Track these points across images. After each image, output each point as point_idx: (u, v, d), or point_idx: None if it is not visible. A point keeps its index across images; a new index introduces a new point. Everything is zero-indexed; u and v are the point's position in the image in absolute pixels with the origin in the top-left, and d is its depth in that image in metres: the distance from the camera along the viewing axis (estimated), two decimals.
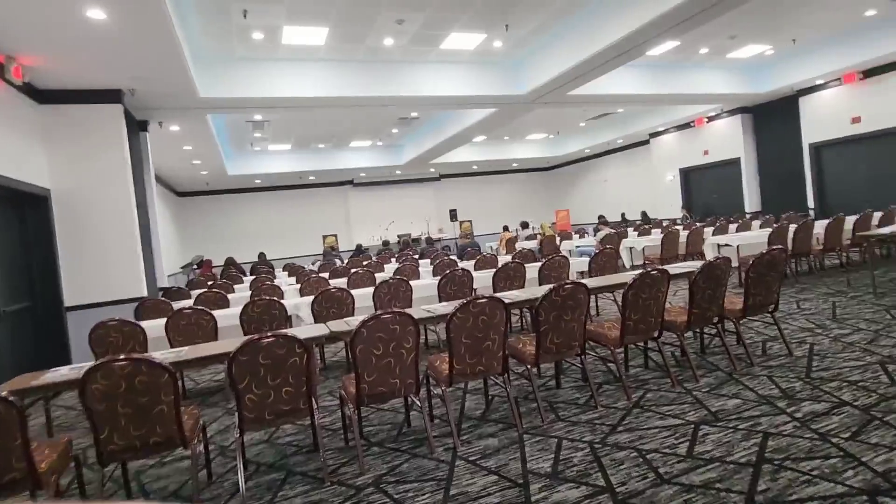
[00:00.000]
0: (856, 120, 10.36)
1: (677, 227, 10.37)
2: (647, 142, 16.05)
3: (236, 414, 2.61)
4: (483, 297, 2.98)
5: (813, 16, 8.28)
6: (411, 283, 5.29)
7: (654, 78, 10.22)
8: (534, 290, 4.13)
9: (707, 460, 2.51)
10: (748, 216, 11.55)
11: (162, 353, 3.12)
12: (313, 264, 10.40)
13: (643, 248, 9.17)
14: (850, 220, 7.54)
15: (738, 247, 7.38)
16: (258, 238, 17.06)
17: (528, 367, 3.32)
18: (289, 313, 4.67)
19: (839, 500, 2.09)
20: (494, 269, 5.54)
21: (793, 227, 6.99)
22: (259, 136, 12.36)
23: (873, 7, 8.18)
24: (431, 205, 19.74)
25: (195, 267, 12.51)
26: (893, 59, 9.34)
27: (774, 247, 3.84)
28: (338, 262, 10.11)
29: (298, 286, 6.76)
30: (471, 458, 2.79)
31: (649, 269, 3.38)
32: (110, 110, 6.43)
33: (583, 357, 3.45)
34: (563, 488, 2.39)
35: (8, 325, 5.18)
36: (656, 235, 9.62)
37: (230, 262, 11.05)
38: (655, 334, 3.61)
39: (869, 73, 9.96)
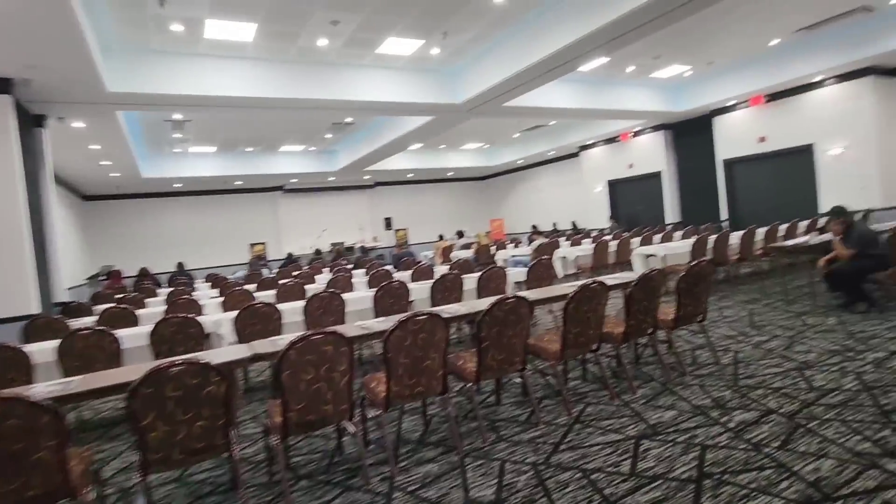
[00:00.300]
0: (762, 139, 11.26)
1: (606, 237, 10.75)
2: (577, 154, 16.64)
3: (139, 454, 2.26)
4: (422, 314, 2.81)
5: (727, 42, 8.90)
6: (345, 296, 5.02)
7: (585, 93, 10.57)
8: (474, 303, 4.02)
9: (650, 478, 2.47)
10: (669, 227, 12.22)
11: (47, 386, 2.67)
12: (234, 275, 9.76)
13: (575, 258, 9.39)
14: (760, 232, 8.12)
15: (663, 256, 7.70)
16: (178, 247, 15.90)
17: (469, 384, 3.18)
18: (208, 332, 4.25)
19: None
20: (431, 281, 5.39)
21: (712, 238, 7.41)
22: (179, 136, 11.50)
23: (777, 37, 8.92)
24: (366, 213, 19.34)
25: (102, 278, 11.38)
26: (793, 84, 10.25)
27: (703, 259, 3.97)
28: (265, 272, 9.56)
29: (222, 299, 6.26)
30: (409, 489, 2.60)
31: (589, 282, 3.36)
32: None
33: (523, 372, 3.36)
34: None
35: None
36: (587, 245, 9.90)
37: (144, 273, 10.14)
38: (594, 347, 3.60)
39: (773, 97, 10.87)
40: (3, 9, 4.24)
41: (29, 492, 2.01)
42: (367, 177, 18.27)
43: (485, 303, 3.36)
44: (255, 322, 4.23)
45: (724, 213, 12.23)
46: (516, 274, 6.08)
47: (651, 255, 7.81)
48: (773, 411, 3.09)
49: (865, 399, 3.12)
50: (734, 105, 11.62)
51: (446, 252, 11.99)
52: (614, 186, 15.48)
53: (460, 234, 14.11)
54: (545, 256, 7.01)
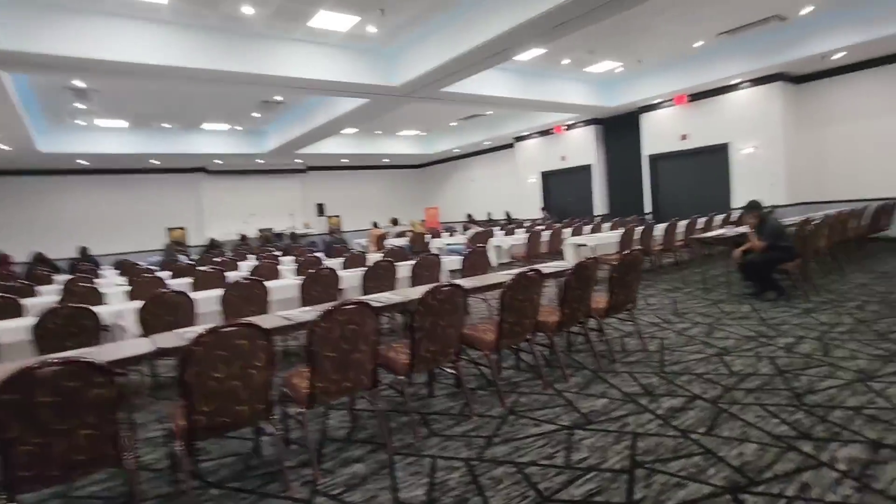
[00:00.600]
0: (684, 137, 11.86)
1: (539, 227, 10.93)
2: (512, 145, 16.81)
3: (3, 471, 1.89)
4: (351, 303, 2.60)
5: (655, 41, 9.22)
6: (269, 284, 4.67)
7: (522, 83, 10.61)
8: (407, 291, 3.84)
9: (584, 469, 2.42)
10: (598, 218, 12.64)
11: None
12: (147, 262, 8.97)
13: (510, 247, 9.46)
14: (681, 224, 8.54)
15: (594, 247, 7.89)
16: (83, 230, 14.46)
17: (401, 377, 3.01)
18: (107, 324, 3.78)
19: (707, 501, 2.11)
20: (364, 269, 5.15)
21: (639, 230, 7.69)
22: (83, 107, 10.33)
23: (701, 39, 9.36)
24: (297, 198, 18.55)
25: None
26: (713, 86, 10.84)
27: (634, 248, 4.02)
28: (183, 258, 8.85)
29: (129, 288, 5.66)
30: (333, 493, 2.39)
31: (525, 271, 3.28)
32: None
33: (457, 363, 3.24)
34: None
35: None
36: (521, 235, 10.01)
37: (39, 258, 9.07)
38: (529, 336, 3.54)
39: (695, 97, 11.45)
40: None
41: None
42: (298, 160, 17.49)
43: (419, 291, 3.19)
44: (164, 312, 3.81)
45: (647, 207, 12.80)
46: (451, 262, 5.97)
47: (582, 246, 7.98)
48: (697, 397, 3.17)
49: (779, 383, 3.28)
50: (660, 103, 12.14)
51: (380, 240, 11.71)
52: (547, 178, 15.80)
53: (395, 222, 13.84)
54: (480, 245, 6.95)
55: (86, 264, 8.69)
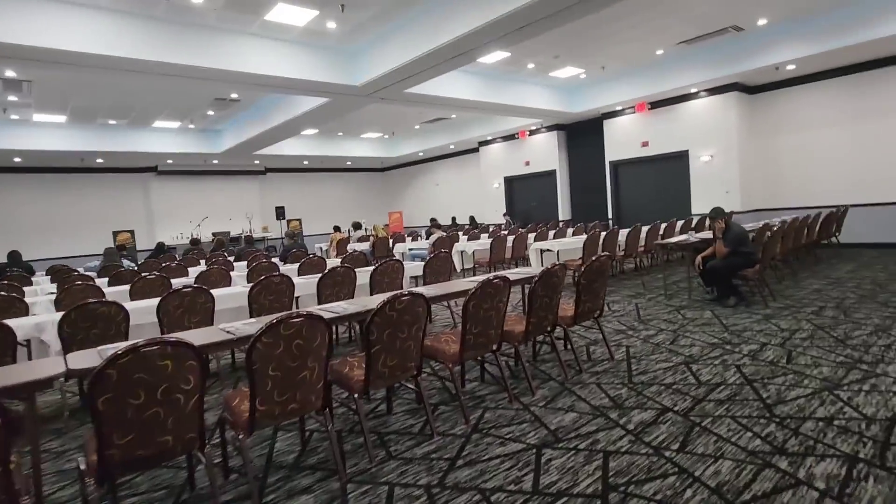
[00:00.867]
0: (644, 144, 12.04)
1: (503, 232, 10.84)
2: (476, 149, 16.73)
3: None
4: (299, 315, 2.33)
5: (618, 48, 9.29)
6: (215, 291, 4.31)
7: (487, 87, 10.51)
8: (364, 300, 3.58)
9: (554, 495, 2.23)
10: (561, 224, 12.67)
11: None
12: (86, 267, 8.33)
13: (473, 252, 9.30)
14: (643, 230, 8.58)
15: (558, 252, 7.82)
16: (17, 233, 13.42)
17: (356, 396, 2.75)
18: (25, 339, 3.35)
19: None
20: (321, 275, 4.85)
21: (603, 235, 7.66)
22: (16, 99, 9.55)
23: (662, 47, 9.49)
24: (256, 201, 17.87)
25: None
26: (673, 94, 11.04)
27: (602, 254, 3.90)
28: (126, 263, 8.25)
29: (60, 298, 5.15)
30: None
31: (491, 278, 3.09)
32: None
33: (418, 378, 3.01)
34: None
35: None
36: (485, 240, 9.87)
37: None
38: (495, 347, 3.35)
39: (655, 105, 11.64)
40: None
41: None
42: (256, 161, 16.86)
43: (377, 300, 2.95)
44: (90, 325, 3.41)
45: (609, 213, 12.93)
46: (413, 268, 5.73)
47: (547, 251, 7.90)
48: (668, 409, 3.05)
49: (749, 393, 3.20)
50: (622, 110, 12.29)
51: (341, 244, 11.34)
52: (511, 183, 15.79)
53: (357, 226, 13.46)
54: (444, 250, 6.75)
55: (16, 270, 7.97)
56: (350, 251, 8.17)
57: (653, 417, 2.95)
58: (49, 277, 7.64)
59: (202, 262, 8.84)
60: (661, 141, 11.71)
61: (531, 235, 9.90)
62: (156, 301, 3.87)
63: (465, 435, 2.90)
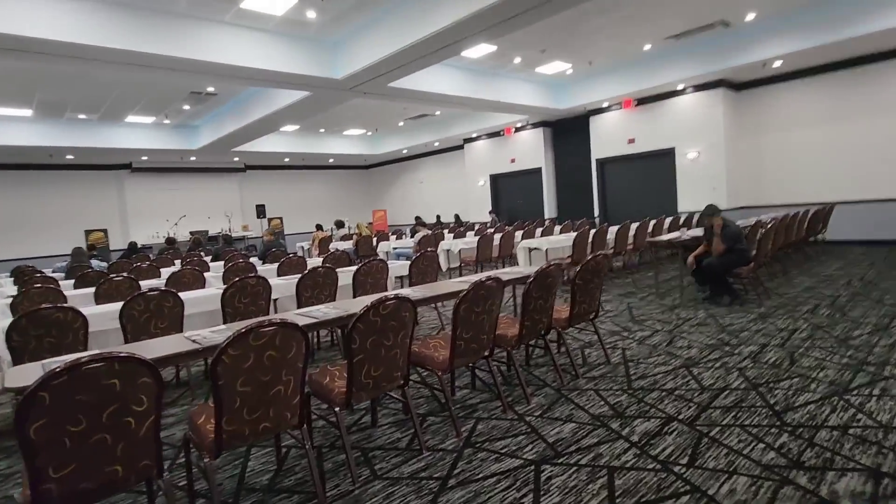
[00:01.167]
0: (631, 141, 11.94)
1: (489, 230, 10.64)
2: (461, 147, 16.51)
3: None
4: (271, 323, 2.07)
5: (606, 42, 9.13)
6: (186, 295, 4.01)
7: (473, 81, 10.28)
8: (347, 304, 3.33)
9: None
10: (548, 221, 12.51)
11: None
12: (53, 269, 7.91)
13: (459, 251, 9.08)
14: (632, 227, 8.45)
15: (546, 250, 7.63)
16: None
17: (337, 409, 2.50)
18: None
19: None
20: (299, 276, 4.57)
21: (592, 232, 7.50)
22: None
23: (650, 42, 9.37)
24: (235, 199, 17.40)
25: None
26: (660, 91, 10.94)
27: (599, 252, 3.71)
28: (96, 264, 7.84)
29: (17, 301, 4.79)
30: None
31: (483, 279, 2.86)
32: None
33: (405, 388, 2.77)
34: None
35: None
36: (471, 238, 9.66)
37: None
38: (487, 353, 3.12)
39: (642, 101, 11.55)
40: None
41: None
42: (236, 158, 16.41)
43: (360, 304, 2.70)
44: (42, 333, 3.10)
45: (596, 210, 12.82)
46: (398, 268, 5.49)
47: (535, 249, 7.70)
48: (672, 418, 2.86)
49: (755, 399, 3.03)
50: (608, 107, 12.17)
51: (324, 243, 11.02)
52: (496, 180, 15.60)
53: (339, 224, 13.13)
54: (429, 249, 6.51)
55: None
56: (333, 250, 7.89)
57: (657, 427, 2.76)
58: (12, 279, 7.20)
59: (177, 262, 8.47)
60: (647, 138, 11.61)
61: (518, 233, 9.72)
62: (119, 305, 3.56)
63: (456, 450, 2.67)
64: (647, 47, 9.60)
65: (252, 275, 4.25)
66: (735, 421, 2.76)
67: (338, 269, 4.80)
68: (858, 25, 7.91)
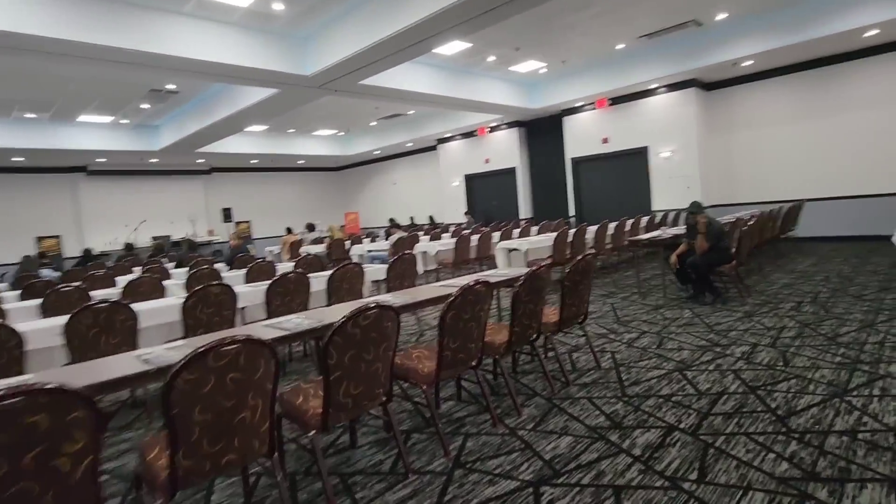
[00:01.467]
0: (605, 140, 11.94)
1: (465, 231, 10.44)
2: (435, 147, 16.28)
3: None
4: (234, 341, 1.79)
5: (579, 41, 9.05)
6: (139, 306, 3.66)
7: (447, 80, 10.08)
8: (322, 314, 3.04)
9: None
10: (523, 222, 12.40)
11: None
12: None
13: (436, 253, 8.85)
14: (610, 227, 8.38)
15: (526, 251, 7.47)
16: None
17: (311, 433, 2.22)
18: None
19: None
20: (268, 283, 4.26)
21: (571, 232, 7.38)
22: None
23: (623, 41, 9.34)
24: (200, 202, 16.72)
25: None
26: (634, 90, 10.96)
27: (588, 252, 3.53)
28: (46, 273, 7.28)
29: None
30: None
31: (471, 283, 2.63)
32: None
33: (387, 405, 2.51)
34: None
35: None
36: (447, 239, 9.45)
37: None
38: (475, 363, 2.90)
39: (615, 101, 11.55)
40: None
41: None
42: (200, 160, 15.76)
43: (336, 312, 2.44)
44: None
45: (571, 210, 12.78)
46: (374, 272, 5.21)
47: (514, 250, 7.53)
48: (673, 427, 2.69)
49: (756, 403, 2.89)
50: (582, 106, 12.15)
51: (294, 247, 10.63)
52: (471, 181, 15.43)
53: (311, 227, 12.72)
54: (406, 251, 6.25)
55: None
56: (304, 254, 7.55)
57: (658, 438, 2.58)
58: None
59: (136, 269, 7.96)
60: (621, 137, 11.62)
61: (496, 234, 9.55)
62: (62, 320, 3.19)
63: (445, 472, 2.43)
64: (621, 46, 9.58)
65: (216, 283, 3.91)
66: (739, 428, 2.61)
67: (310, 275, 4.50)
68: (823, 26, 8.05)
